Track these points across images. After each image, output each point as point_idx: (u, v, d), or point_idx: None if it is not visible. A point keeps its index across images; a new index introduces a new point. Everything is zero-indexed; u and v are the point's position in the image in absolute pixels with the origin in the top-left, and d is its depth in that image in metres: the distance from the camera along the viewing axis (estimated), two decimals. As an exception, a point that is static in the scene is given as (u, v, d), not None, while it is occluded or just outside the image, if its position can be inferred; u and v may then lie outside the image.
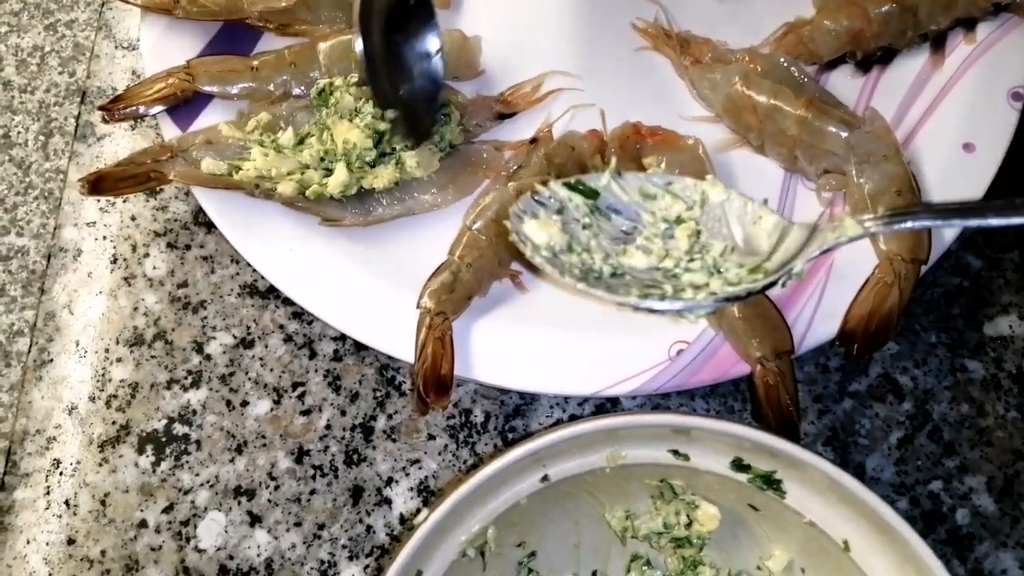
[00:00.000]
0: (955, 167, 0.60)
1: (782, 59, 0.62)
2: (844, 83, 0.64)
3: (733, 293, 0.43)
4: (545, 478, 0.45)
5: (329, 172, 0.59)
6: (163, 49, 0.64)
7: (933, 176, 0.60)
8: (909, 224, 0.41)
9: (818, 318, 0.57)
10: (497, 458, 0.43)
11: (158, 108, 0.61)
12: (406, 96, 0.57)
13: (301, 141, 0.59)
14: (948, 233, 0.58)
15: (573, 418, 0.59)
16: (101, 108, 0.61)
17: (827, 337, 0.56)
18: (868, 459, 0.58)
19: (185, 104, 0.62)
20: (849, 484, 0.41)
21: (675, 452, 0.45)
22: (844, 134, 0.58)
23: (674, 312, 0.43)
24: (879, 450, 0.58)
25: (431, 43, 0.58)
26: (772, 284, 0.43)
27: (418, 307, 0.57)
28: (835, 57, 0.64)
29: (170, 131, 0.62)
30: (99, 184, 0.59)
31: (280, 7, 0.63)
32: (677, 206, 0.48)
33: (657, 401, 0.59)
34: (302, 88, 0.63)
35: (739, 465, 0.45)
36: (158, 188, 0.64)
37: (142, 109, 0.61)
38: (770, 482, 0.45)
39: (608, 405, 0.59)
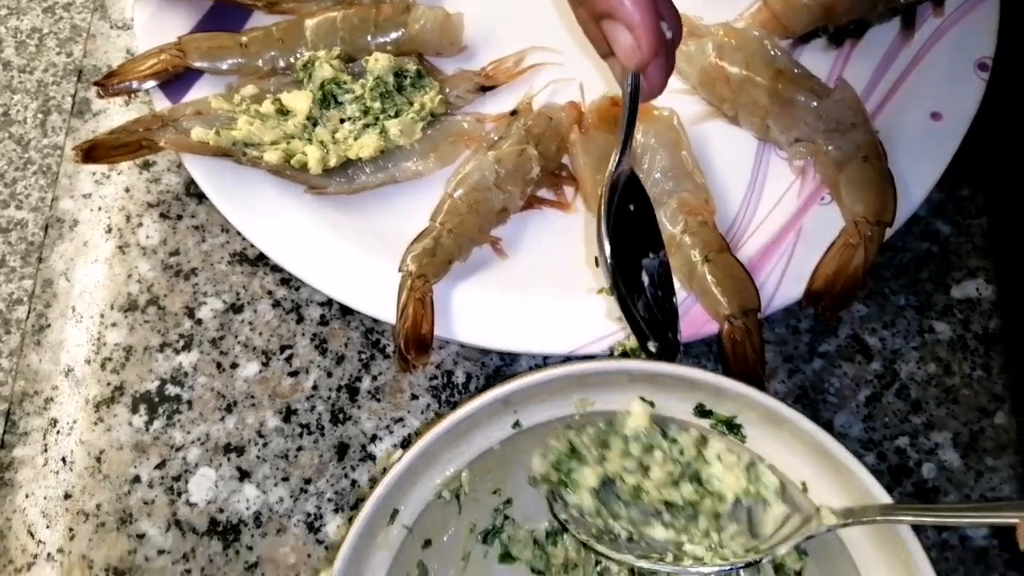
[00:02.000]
0: (923, 135, 0.62)
1: (756, 33, 0.64)
2: (817, 56, 0.66)
3: (719, 566, 0.45)
4: (517, 424, 0.47)
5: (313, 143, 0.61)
6: (156, 27, 0.66)
7: (902, 144, 0.61)
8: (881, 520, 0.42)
9: (786, 280, 0.58)
10: (469, 402, 0.45)
11: (151, 83, 0.63)
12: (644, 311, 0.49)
13: (285, 112, 0.62)
14: (915, 197, 0.60)
15: (551, 378, 0.61)
16: (96, 83, 0.63)
17: (795, 298, 0.58)
18: (837, 416, 0.60)
19: (176, 79, 0.65)
20: (800, 422, 0.43)
21: (641, 399, 0.47)
22: (813, 103, 0.60)
23: (663, 574, 0.46)
24: (847, 408, 0.60)
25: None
26: (755, 562, 0.45)
27: (400, 271, 0.59)
28: (808, 31, 0.66)
29: (162, 105, 0.64)
30: (93, 152, 0.61)
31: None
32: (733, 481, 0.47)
33: (633, 362, 0.61)
34: (290, 63, 0.65)
35: (702, 411, 0.47)
36: (149, 157, 0.67)
37: (135, 84, 0.63)
38: (731, 427, 0.47)
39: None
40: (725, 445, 0.46)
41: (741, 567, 0.45)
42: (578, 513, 0.47)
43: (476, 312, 0.59)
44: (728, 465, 0.46)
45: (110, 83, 0.63)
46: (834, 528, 0.43)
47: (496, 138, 0.64)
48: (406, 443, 0.60)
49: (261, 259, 0.64)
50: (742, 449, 0.47)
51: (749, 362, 0.54)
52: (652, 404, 0.47)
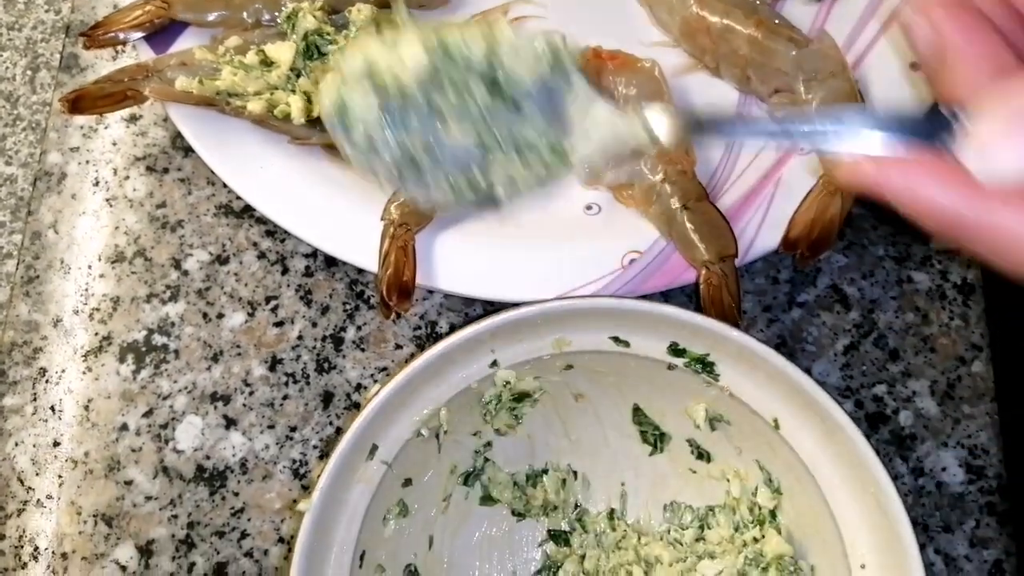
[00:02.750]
0: (903, 84, 0.62)
1: (738, -17, 0.64)
2: (799, 9, 0.66)
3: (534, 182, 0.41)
4: (494, 363, 0.48)
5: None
6: (141, -20, 0.66)
7: (881, 94, 0.62)
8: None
9: (765, 228, 0.59)
10: (447, 337, 0.45)
11: (136, 34, 0.64)
12: None
13: (269, 63, 0.62)
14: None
15: (533, 327, 0.62)
16: (82, 35, 0.64)
17: (773, 246, 0.59)
18: (815, 364, 0.60)
19: (162, 32, 0.65)
20: (771, 358, 0.44)
21: (616, 339, 0.48)
22: (793, 52, 0.60)
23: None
24: (826, 356, 0.61)
25: None
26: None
27: (383, 219, 0.59)
28: (790, -17, 0.66)
29: (148, 56, 0.64)
30: (79, 103, 0.61)
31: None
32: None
33: (614, 311, 0.62)
34: (275, 15, 0.65)
35: (675, 350, 0.48)
36: (136, 110, 0.67)
37: (121, 35, 0.64)
38: (704, 364, 0.47)
39: (567, 315, 0.62)
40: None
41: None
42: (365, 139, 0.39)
43: (459, 261, 0.60)
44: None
45: (96, 34, 0.64)
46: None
47: (480, 91, 0.64)
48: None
49: (247, 211, 0.65)
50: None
51: (725, 306, 0.55)
52: (627, 344, 0.48)
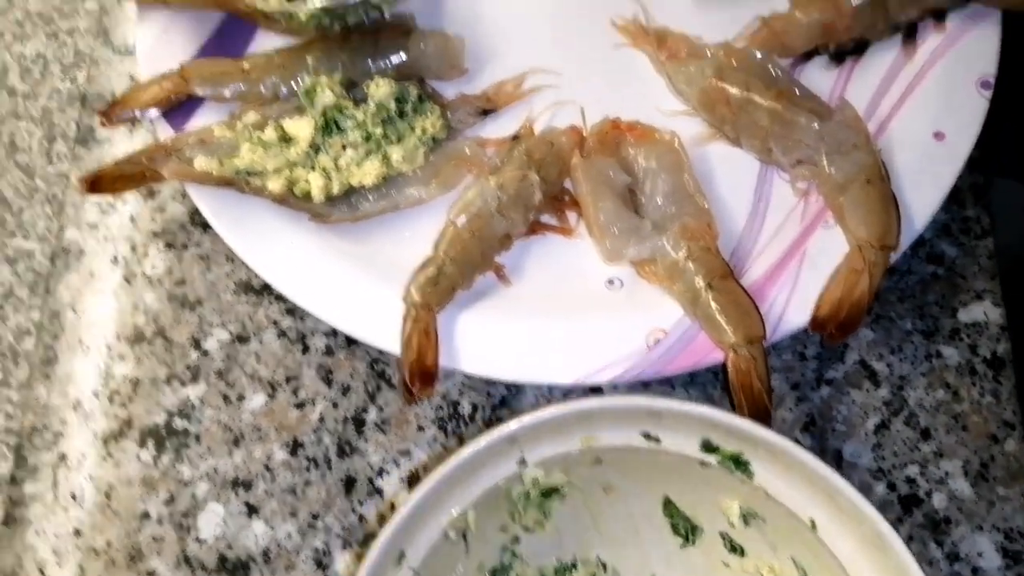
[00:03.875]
0: (926, 155, 0.61)
1: (756, 53, 0.64)
2: (818, 75, 0.66)
3: None
4: (522, 461, 0.47)
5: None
6: (158, 54, 0.66)
7: (904, 165, 0.61)
8: None
9: (792, 306, 0.58)
10: (474, 441, 0.45)
11: (153, 111, 0.64)
12: None
13: (288, 139, 0.62)
14: (919, 220, 0.60)
15: (557, 406, 0.61)
16: (100, 113, 0.64)
17: (800, 325, 0.58)
18: (845, 445, 0.59)
19: (179, 106, 0.65)
20: (811, 463, 0.43)
21: (647, 435, 0.47)
22: (815, 125, 0.60)
23: None
24: (856, 436, 0.60)
25: None
26: None
27: (404, 300, 0.59)
28: (808, 50, 0.66)
29: (165, 133, 0.64)
30: (97, 183, 0.61)
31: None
32: None
33: (637, 388, 0.61)
34: (293, 86, 0.65)
35: (708, 447, 0.47)
36: (154, 185, 0.67)
37: (138, 113, 0.63)
38: (738, 463, 0.46)
39: (590, 394, 0.61)
40: None
41: None
42: None
43: (480, 341, 0.59)
44: None
45: (113, 112, 0.63)
46: None
47: (498, 163, 0.64)
48: (413, 477, 0.60)
49: (266, 288, 0.64)
50: None
51: (755, 392, 0.54)
52: (658, 440, 0.47)
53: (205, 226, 0.66)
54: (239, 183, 0.60)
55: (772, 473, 0.46)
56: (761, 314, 0.56)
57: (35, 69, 0.75)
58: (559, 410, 0.45)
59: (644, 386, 0.61)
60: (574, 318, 0.60)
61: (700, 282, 0.57)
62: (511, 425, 0.44)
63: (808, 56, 0.66)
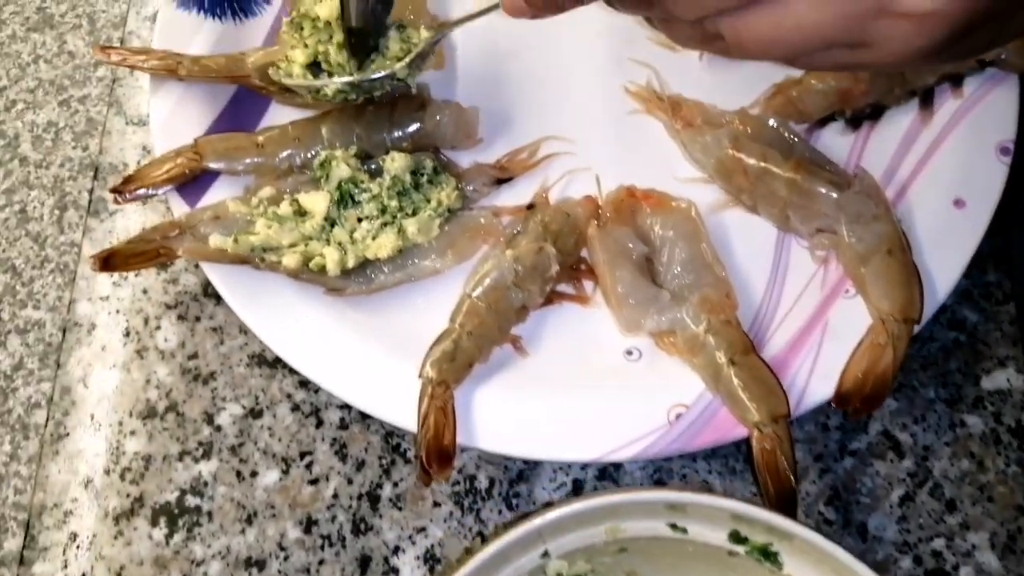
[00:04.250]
0: (946, 224, 0.61)
1: (772, 120, 0.64)
2: (834, 140, 0.66)
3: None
4: (545, 553, 0.46)
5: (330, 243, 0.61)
6: (172, 126, 0.66)
7: (925, 233, 0.61)
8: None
9: (815, 379, 0.57)
10: (497, 538, 0.44)
11: (167, 188, 0.63)
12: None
13: (303, 213, 0.61)
14: (942, 289, 0.59)
15: (576, 483, 0.60)
16: (113, 190, 0.63)
17: (824, 398, 0.57)
18: (870, 518, 0.58)
19: (193, 181, 0.64)
20: (842, 557, 0.42)
21: (673, 526, 0.46)
22: (834, 195, 0.59)
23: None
24: (881, 508, 0.59)
25: None
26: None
27: (420, 376, 0.58)
28: (825, 115, 0.65)
29: (179, 207, 0.64)
30: (110, 261, 0.61)
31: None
32: None
33: (659, 464, 0.60)
34: (308, 157, 0.64)
35: (737, 537, 0.46)
36: (168, 263, 0.66)
37: (152, 190, 0.63)
38: (767, 554, 0.45)
39: (611, 468, 0.60)
40: None
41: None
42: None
43: (498, 417, 0.58)
44: None
45: (127, 189, 0.63)
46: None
47: (514, 232, 0.63)
48: (428, 555, 0.59)
49: (279, 361, 0.64)
50: None
51: (781, 473, 0.53)
52: (685, 530, 0.46)
53: (218, 298, 0.65)
54: (254, 260, 0.60)
55: (802, 564, 0.45)
56: (785, 390, 0.55)
57: (47, 137, 0.76)
58: (584, 505, 0.44)
59: (665, 459, 0.60)
60: (593, 392, 0.59)
61: (722, 357, 0.56)
62: (535, 521, 0.43)
63: (824, 122, 0.66)
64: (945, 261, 0.60)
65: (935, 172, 0.63)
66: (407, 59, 0.61)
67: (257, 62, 0.65)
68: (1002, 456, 0.60)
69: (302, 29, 0.63)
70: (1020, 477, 0.59)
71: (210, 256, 0.60)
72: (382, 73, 0.62)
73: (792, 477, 0.53)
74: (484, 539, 0.59)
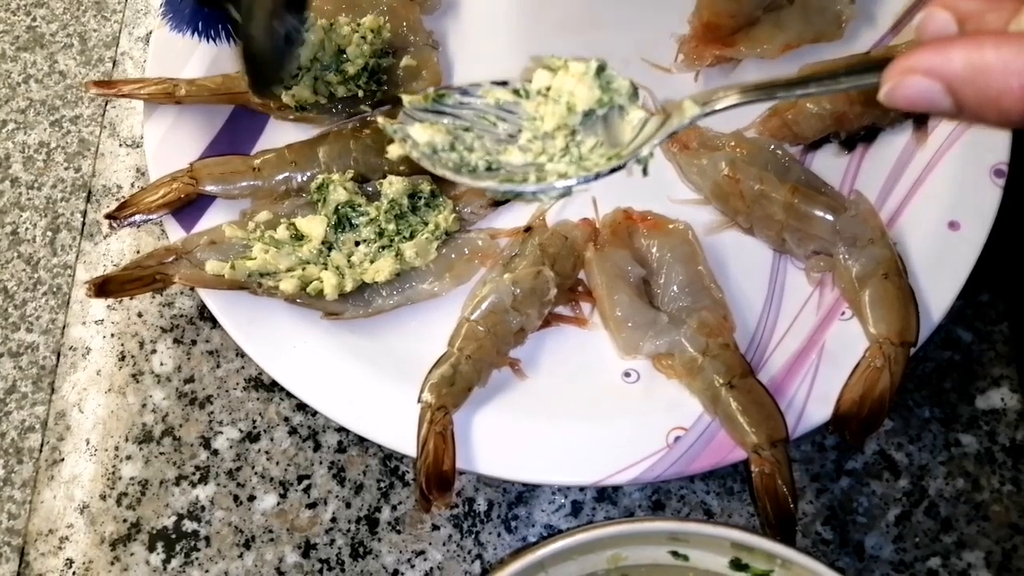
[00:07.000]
0: (941, 246, 0.61)
1: (767, 143, 0.64)
2: (829, 162, 0.66)
3: (583, 176, 0.46)
4: (548, 582, 0.46)
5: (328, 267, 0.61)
6: (166, 152, 0.66)
7: (919, 254, 0.61)
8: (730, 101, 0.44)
9: (812, 401, 0.58)
10: (500, 570, 0.44)
11: (163, 213, 0.63)
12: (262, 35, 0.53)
13: (300, 237, 0.61)
14: (937, 311, 0.60)
15: (575, 504, 0.60)
16: (108, 216, 0.63)
17: (820, 421, 0.57)
18: (867, 537, 0.59)
19: (189, 205, 0.64)
20: (844, 587, 0.42)
21: (675, 553, 0.46)
22: (830, 219, 0.60)
23: (529, 195, 0.47)
24: (877, 528, 0.59)
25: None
26: (620, 167, 0.46)
27: (419, 401, 0.58)
28: (820, 137, 0.66)
29: (175, 232, 0.63)
30: (105, 287, 0.60)
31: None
32: (559, 110, 0.48)
33: (658, 484, 0.60)
34: (305, 178, 0.64)
35: (738, 565, 0.46)
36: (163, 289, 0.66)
37: (147, 216, 0.63)
38: (768, 582, 0.46)
39: (610, 490, 0.60)
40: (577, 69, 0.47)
41: (606, 174, 0.46)
42: (431, 151, 0.47)
43: (495, 441, 0.58)
44: (577, 75, 0.47)
45: (121, 215, 0.63)
46: (695, 119, 0.44)
47: (511, 255, 0.63)
48: (430, 581, 0.59)
49: (276, 384, 0.63)
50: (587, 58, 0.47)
51: (780, 497, 0.54)
52: (687, 558, 0.46)
53: (214, 321, 0.65)
54: (251, 286, 0.60)
55: (803, 593, 0.45)
56: (783, 414, 0.56)
57: (38, 158, 0.75)
58: (586, 536, 0.44)
59: (664, 481, 0.60)
60: (591, 416, 0.59)
61: (720, 380, 0.57)
62: (538, 552, 0.43)
63: (819, 143, 0.66)
64: (940, 283, 0.60)
65: (929, 194, 0.63)
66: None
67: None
68: (997, 475, 0.60)
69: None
70: (1015, 496, 0.60)
71: (207, 282, 0.60)
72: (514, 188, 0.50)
73: (791, 501, 0.54)
74: (483, 563, 0.59)
